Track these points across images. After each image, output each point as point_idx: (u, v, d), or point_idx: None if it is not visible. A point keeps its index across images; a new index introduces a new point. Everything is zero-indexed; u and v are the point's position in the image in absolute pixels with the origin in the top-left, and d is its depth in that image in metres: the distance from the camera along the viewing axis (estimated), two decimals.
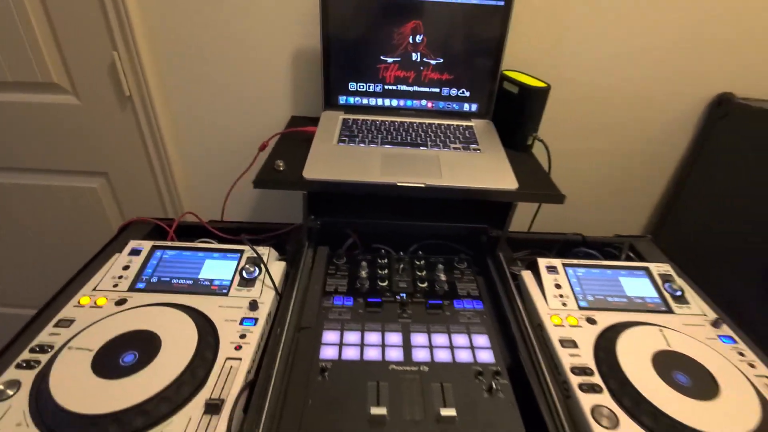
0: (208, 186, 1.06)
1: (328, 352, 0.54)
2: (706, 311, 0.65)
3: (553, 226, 0.87)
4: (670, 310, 0.65)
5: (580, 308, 0.64)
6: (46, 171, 1.02)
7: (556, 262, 0.71)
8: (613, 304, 0.65)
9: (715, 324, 0.62)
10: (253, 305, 0.60)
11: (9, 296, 1.28)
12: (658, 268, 0.71)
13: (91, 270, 0.68)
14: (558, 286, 0.67)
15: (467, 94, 0.83)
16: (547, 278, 0.68)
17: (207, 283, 0.64)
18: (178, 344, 0.52)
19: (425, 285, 0.67)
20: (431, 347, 0.56)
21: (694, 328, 0.61)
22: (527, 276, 0.70)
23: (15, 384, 0.48)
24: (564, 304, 0.64)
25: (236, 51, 0.88)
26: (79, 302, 0.59)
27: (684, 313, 0.64)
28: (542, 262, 0.70)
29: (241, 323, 0.57)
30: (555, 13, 0.83)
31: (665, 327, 0.60)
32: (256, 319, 0.58)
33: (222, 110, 0.95)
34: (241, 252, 0.69)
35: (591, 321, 0.61)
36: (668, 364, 0.54)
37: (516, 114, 0.79)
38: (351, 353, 0.54)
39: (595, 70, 0.89)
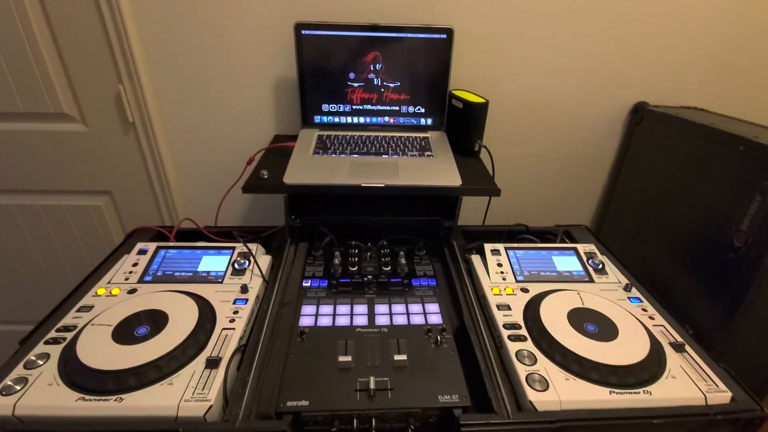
0: (202, 199, 1.18)
1: (306, 321, 0.66)
2: (621, 279, 0.79)
3: (507, 223, 1.00)
4: (591, 280, 0.78)
5: (517, 281, 0.77)
6: (56, 192, 1.14)
7: (500, 246, 0.84)
8: (544, 277, 0.78)
9: (626, 288, 0.76)
10: (244, 288, 0.72)
11: (16, 314, 1.37)
12: (584, 247, 0.85)
13: (104, 269, 0.79)
14: (500, 265, 0.80)
15: (422, 110, 0.97)
16: (491, 259, 0.81)
17: (204, 274, 0.76)
18: (183, 319, 0.64)
19: (389, 269, 0.79)
20: (391, 314, 0.68)
21: (609, 292, 0.75)
22: (476, 259, 0.83)
23: (44, 356, 0.59)
24: (504, 279, 0.77)
25: (226, 80, 1.03)
26: (96, 293, 0.71)
27: (602, 282, 0.78)
28: (488, 247, 0.84)
29: (234, 303, 0.69)
30: (491, 41, 0.99)
31: (583, 291, 0.73)
32: (246, 300, 0.70)
33: (214, 132, 1.09)
34: (233, 248, 0.81)
35: (524, 290, 0.74)
36: (580, 317, 0.67)
37: (463, 125, 0.94)
38: (325, 321, 0.67)
39: (530, 86, 1.05)
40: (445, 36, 0.90)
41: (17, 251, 1.24)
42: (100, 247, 1.23)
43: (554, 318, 0.66)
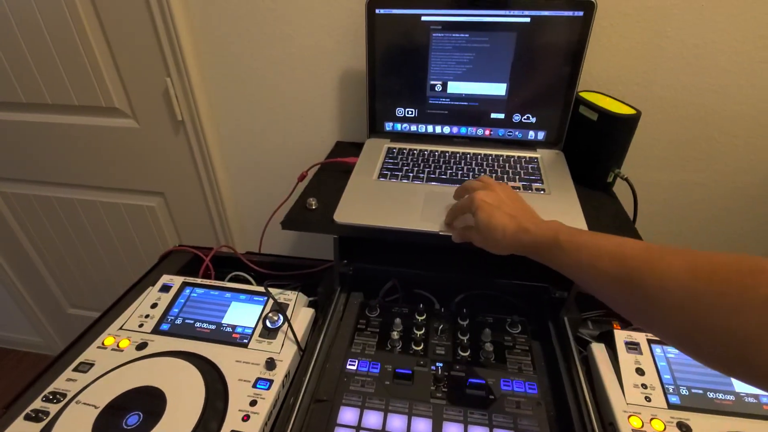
0: (254, 207, 1.04)
1: None
2: None
3: None
4: None
5: (670, 406, 0.49)
6: (111, 189, 1.08)
7: (640, 338, 0.56)
8: (714, 404, 0.50)
9: None
10: (270, 364, 0.54)
11: (78, 299, 1.39)
12: None
13: (125, 302, 0.67)
14: (640, 372, 0.53)
15: (533, 120, 0.70)
16: (627, 359, 0.54)
17: (229, 329, 0.60)
18: (184, 409, 0.48)
19: (467, 354, 0.56)
20: None
21: None
22: (599, 351, 0.56)
23: None
24: (647, 399, 0.50)
25: (283, 75, 0.84)
26: (103, 343, 0.58)
27: None
28: (620, 336, 0.56)
29: (254, 385, 0.52)
30: (649, 20, 0.68)
31: None
32: (270, 382, 0.52)
33: (268, 134, 0.93)
34: (268, 296, 0.64)
35: (685, 428, 0.47)
36: None
37: (594, 145, 0.65)
38: None
39: (700, 87, 0.71)
40: (582, 13, 0.61)
41: (82, 243, 1.22)
42: (154, 247, 1.16)
43: None
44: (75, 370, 0.55)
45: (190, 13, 0.81)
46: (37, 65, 0.90)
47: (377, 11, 0.67)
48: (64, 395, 0.51)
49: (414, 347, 0.57)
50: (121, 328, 0.61)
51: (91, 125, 0.97)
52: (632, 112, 0.61)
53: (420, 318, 0.61)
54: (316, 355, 0.56)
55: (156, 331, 0.60)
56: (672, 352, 0.55)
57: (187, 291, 0.66)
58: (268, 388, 0.52)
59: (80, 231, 1.18)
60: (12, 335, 1.66)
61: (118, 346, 0.58)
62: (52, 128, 0.99)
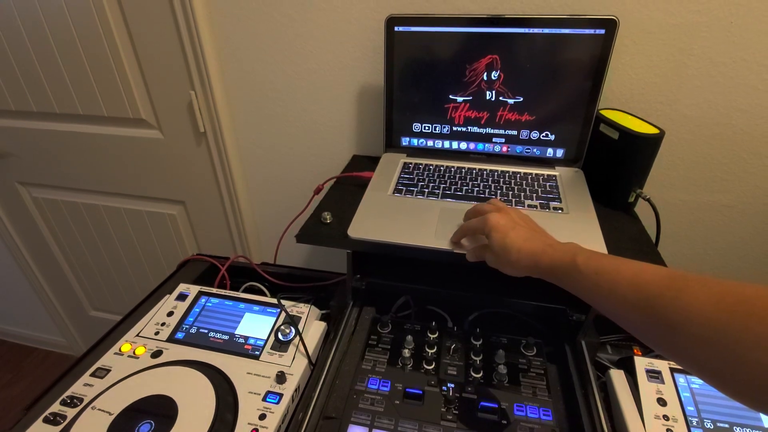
0: (271, 219, 1.06)
1: None
2: None
3: None
4: None
5: None
6: (135, 197, 1.11)
7: (662, 366, 0.54)
8: None
9: None
10: (281, 378, 0.54)
11: (100, 301, 1.43)
12: None
13: (143, 309, 0.69)
14: (662, 402, 0.50)
15: (552, 137, 0.69)
16: (647, 388, 0.52)
17: (241, 341, 0.61)
18: (194, 420, 0.48)
19: (480, 375, 0.55)
20: None
21: None
22: (618, 378, 0.54)
23: None
24: (669, 431, 0.48)
25: (301, 89, 0.86)
26: (120, 349, 0.60)
27: None
28: (641, 363, 0.54)
29: (264, 398, 0.52)
30: (674, 38, 0.66)
31: None
32: (280, 396, 0.52)
33: (287, 148, 0.94)
34: (281, 308, 0.64)
35: None
36: None
37: (615, 164, 0.64)
38: None
39: (727, 106, 0.69)
40: (603, 32, 0.60)
41: (105, 248, 1.26)
42: (174, 253, 1.19)
43: None
44: (92, 375, 0.56)
45: (215, 30, 0.83)
46: (70, 78, 0.94)
47: (396, 29, 0.68)
48: (81, 400, 0.52)
49: (425, 366, 0.56)
50: (137, 335, 0.62)
51: (119, 135, 1.01)
52: (655, 131, 0.60)
53: (432, 336, 0.60)
54: (326, 370, 0.56)
55: (171, 339, 0.61)
56: (696, 382, 0.53)
57: (203, 300, 0.67)
58: (278, 402, 0.52)
59: (104, 236, 1.22)
60: (37, 334, 1.72)
61: (134, 353, 0.59)
62: (82, 137, 1.03)
